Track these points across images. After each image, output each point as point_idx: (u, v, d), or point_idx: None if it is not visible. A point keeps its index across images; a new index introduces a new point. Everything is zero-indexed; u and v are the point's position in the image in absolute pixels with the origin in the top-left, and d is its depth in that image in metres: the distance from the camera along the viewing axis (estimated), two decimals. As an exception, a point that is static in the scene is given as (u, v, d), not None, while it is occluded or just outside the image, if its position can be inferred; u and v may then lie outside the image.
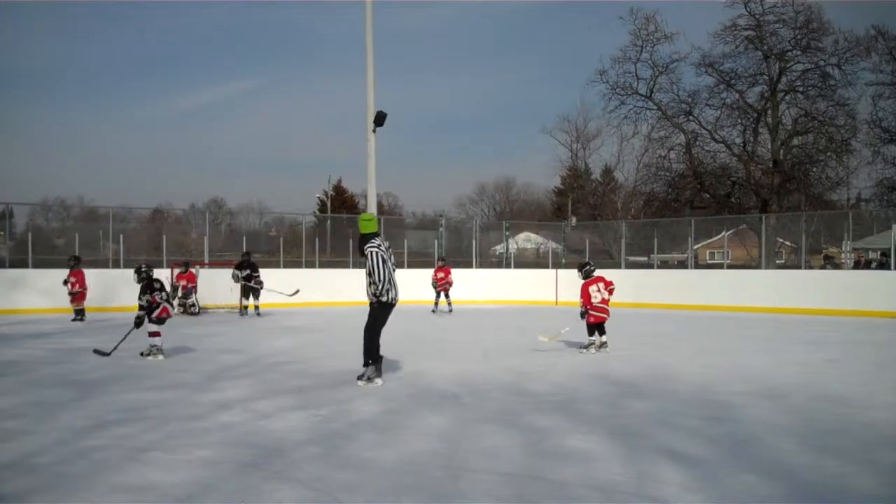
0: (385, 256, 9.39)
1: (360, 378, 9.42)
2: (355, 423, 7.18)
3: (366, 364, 9.47)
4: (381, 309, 9.49)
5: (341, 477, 5.40)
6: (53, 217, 34.86)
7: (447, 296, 22.17)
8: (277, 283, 21.06)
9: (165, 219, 36.12)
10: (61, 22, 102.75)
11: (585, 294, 12.71)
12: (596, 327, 12.73)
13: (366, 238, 9.56)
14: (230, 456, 5.93)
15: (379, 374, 9.50)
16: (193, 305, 21.26)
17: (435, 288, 22.19)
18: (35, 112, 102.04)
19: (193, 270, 21.63)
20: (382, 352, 9.68)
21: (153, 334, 11.69)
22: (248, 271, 20.70)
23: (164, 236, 25.90)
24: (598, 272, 13.14)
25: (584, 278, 12.86)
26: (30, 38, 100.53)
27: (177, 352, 12.49)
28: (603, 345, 12.68)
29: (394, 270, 9.56)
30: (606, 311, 12.79)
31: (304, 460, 5.81)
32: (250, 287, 20.70)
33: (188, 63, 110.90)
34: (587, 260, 13.61)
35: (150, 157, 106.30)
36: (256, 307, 20.79)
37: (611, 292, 12.87)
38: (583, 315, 12.72)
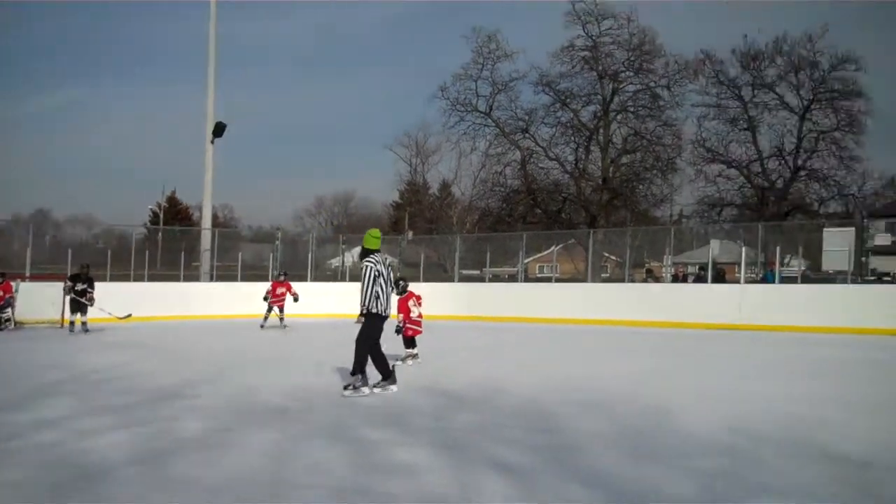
0: (379, 271, 9.80)
1: (346, 388, 9.75)
2: (181, 440, 7.03)
3: (353, 373, 9.80)
4: (375, 320, 9.88)
5: (165, 496, 5.30)
6: None
7: (281, 310, 21.65)
8: (105, 295, 20.19)
9: (-15, 230, 34.27)
10: None
11: (405, 308, 12.97)
12: (412, 340, 12.99)
13: (366, 252, 9.95)
14: (46, 477, 5.70)
15: (365, 382, 9.83)
16: (9, 320, 20.27)
17: (267, 301, 21.68)
18: None
19: (12, 283, 20.64)
20: (372, 364, 10.04)
21: None
22: (84, 286, 19.75)
23: (-16, 248, 24.62)
24: (418, 287, 13.49)
25: (400, 294, 13.04)
26: None
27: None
28: (415, 356, 12.95)
29: (390, 284, 10.05)
30: (421, 325, 13.17)
31: (125, 480, 5.66)
32: (80, 302, 19.67)
33: (16, 70, 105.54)
34: (400, 276, 13.81)
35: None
36: (84, 323, 19.65)
37: (420, 306, 13.26)
38: (398, 330, 12.92)
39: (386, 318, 10.00)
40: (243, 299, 24.94)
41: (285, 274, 22.66)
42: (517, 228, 37.96)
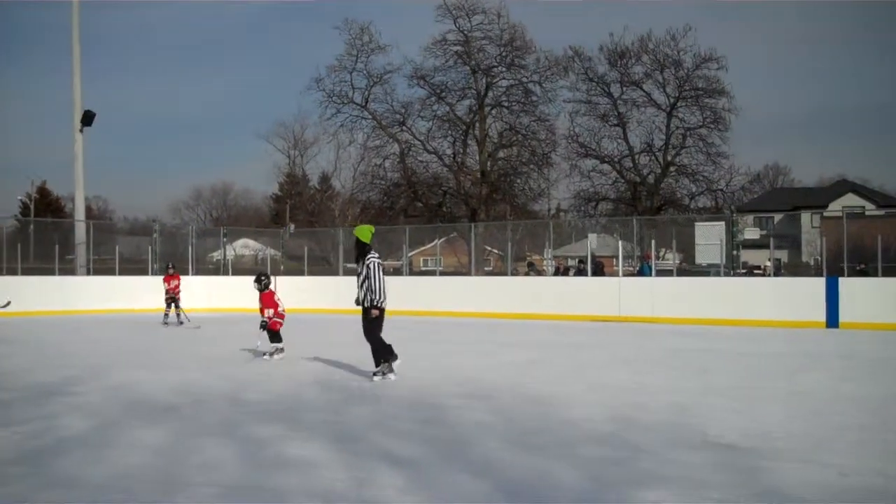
0: (381, 265, 10.44)
1: (374, 374, 10.42)
2: (63, 438, 6.86)
3: (378, 363, 10.43)
4: (381, 314, 10.40)
5: (48, 496, 5.17)
6: None
7: (177, 305, 20.78)
8: None
9: None
10: None
11: (273, 303, 12.93)
12: (278, 334, 12.97)
13: (363, 247, 10.43)
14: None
15: (391, 369, 10.46)
16: None
17: (168, 297, 20.74)
18: None
19: None
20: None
21: None
22: None
23: None
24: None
25: (263, 289, 13.05)
26: None
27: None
28: (281, 350, 12.94)
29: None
30: (283, 318, 13.25)
31: (7, 480, 5.49)
32: None
33: None
34: (262, 272, 13.78)
35: None
36: None
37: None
38: (265, 325, 12.85)
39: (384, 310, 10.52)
40: (122, 293, 24.33)
41: (173, 266, 21.77)
42: (399, 222, 38.10)
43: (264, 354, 12.70)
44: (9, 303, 19.47)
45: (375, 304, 10.27)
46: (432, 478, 5.67)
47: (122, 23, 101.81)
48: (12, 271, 24.91)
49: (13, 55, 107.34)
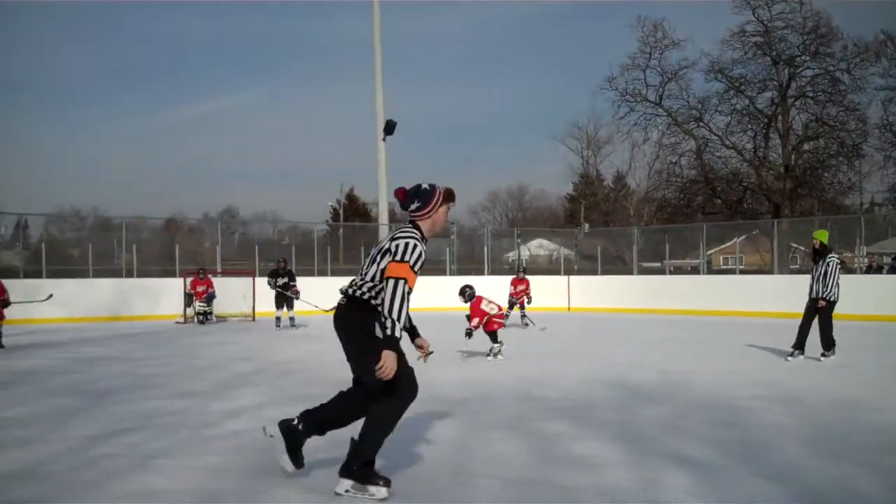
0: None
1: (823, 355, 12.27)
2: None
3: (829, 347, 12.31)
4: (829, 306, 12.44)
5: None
6: (68, 227, 34.91)
7: (522, 308, 20.29)
8: (307, 289, 20.51)
9: (179, 228, 36.22)
10: (75, 31, 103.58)
11: (480, 312, 12.79)
12: (495, 334, 12.86)
13: (823, 248, 12.70)
14: (239, 463, 5.96)
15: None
16: (211, 313, 21.24)
17: (512, 302, 20.01)
18: (49, 122, 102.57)
19: (212, 279, 21.62)
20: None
21: None
22: (285, 279, 19.72)
23: (178, 246, 26.03)
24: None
25: (469, 300, 13.06)
26: (44, 47, 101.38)
27: (189, 360, 12.56)
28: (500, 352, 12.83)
29: None
30: (504, 318, 13.30)
31: (314, 466, 5.81)
32: (286, 296, 19.67)
33: (202, 71, 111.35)
34: (466, 284, 13.64)
35: (163, 167, 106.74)
36: (291, 318, 19.70)
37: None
38: (469, 334, 12.93)
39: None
40: (424, 292, 25.34)
41: (523, 269, 21.99)
42: (696, 219, 37.10)
43: (487, 356, 12.72)
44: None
45: (825, 297, 12.00)
46: (723, 481, 5.42)
47: (418, 33, 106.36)
48: (323, 272, 26.70)
49: (319, 68, 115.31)
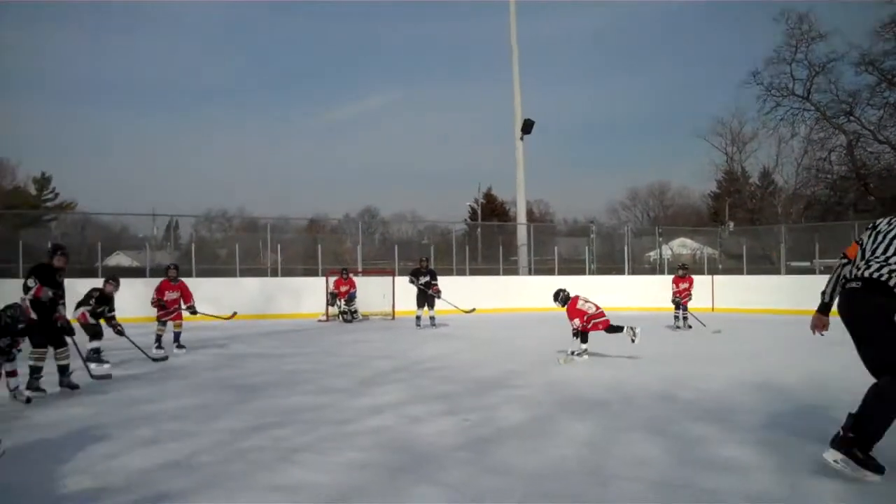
0: None
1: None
2: (503, 428, 7.18)
3: None
4: None
5: (489, 482, 5.43)
6: (216, 228, 36.26)
7: (685, 308, 19.12)
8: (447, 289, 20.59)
9: (321, 228, 37.08)
10: (218, 34, 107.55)
11: (577, 312, 12.43)
12: (586, 335, 12.53)
13: None
14: (381, 459, 6.03)
15: None
16: (356, 312, 21.64)
17: (676, 301, 19.22)
18: (199, 127, 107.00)
19: (354, 278, 22.00)
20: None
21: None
22: (426, 278, 19.71)
23: (320, 246, 26.60)
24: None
25: (563, 303, 12.64)
26: (187, 51, 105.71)
27: (330, 357, 12.84)
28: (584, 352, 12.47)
29: None
30: (604, 316, 12.62)
31: (452, 465, 5.85)
32: (427, 295, 19.66)
33: (341, 74, 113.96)
34: (559, 288, 12.95)
35: (306, 169, 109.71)
36: (432, 317, 19.62)
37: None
38: (582, 336, 12.48)
39: None
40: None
41: (685, 267, 20.56)
42: (848, 217, 35.63)
43: (572, 355, 12.34)
44: (473, 310, 20.63)
45: None
46: (875, 489, 5.17)
47: (556, 30, 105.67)
48: (461, 272, 26.82)
49: (457, 69, 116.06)
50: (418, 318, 19.65)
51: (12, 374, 8.44)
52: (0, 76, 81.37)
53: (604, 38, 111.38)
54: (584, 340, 12.50)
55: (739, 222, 46.97)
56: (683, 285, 19.28)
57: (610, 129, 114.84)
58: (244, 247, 27.39)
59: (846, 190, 39.46)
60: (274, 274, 25.17)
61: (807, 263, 29.25)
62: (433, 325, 19.40)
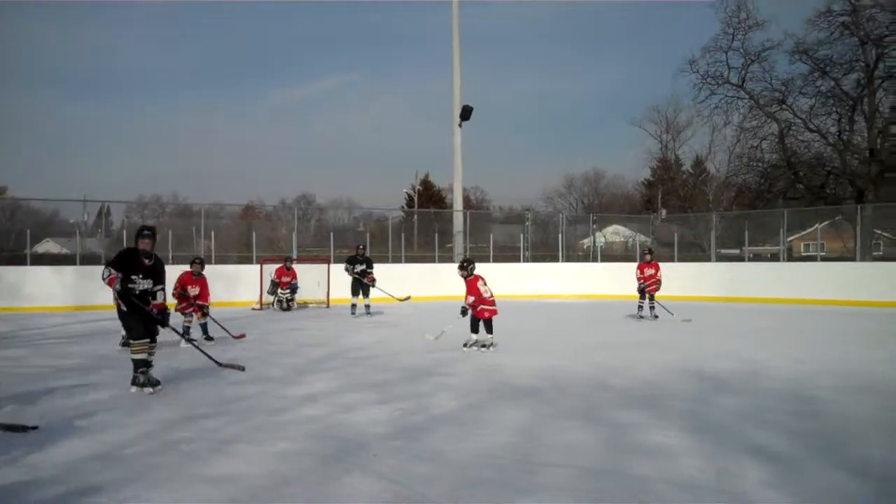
0: None
1: None
2: (435, 416, 7.22)
3: None
4: None
5: (421, 470, 5.47)
6: (149, 214, 35.67)
7: (652, 298, 17.97)
8: (383, 277, 20.60)
9: (256, 215, 36.74)
10: (152, 20, 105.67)
11: (477, 289, 12.01)
12: (486, 323, 12.14)
13: None
14: (313, 448, 6.03)
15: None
16: (293, 300, 21.44)
17: (641, 289, 18.10)
18: (129, 111, 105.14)
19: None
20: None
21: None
22: (363, 266, 19.37)
23: (255, 233, 26.36)
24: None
25: (469, 275, 12.19)
26: (122, 36, 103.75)
27: (264, 345, 12.76)
28: (491, 344, 12.11)
29: None
30: (495, 305, 12.17)
31: (385, 453, 5.87)
32: (363, 283, 19.33)
33: (276, 60, 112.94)
34: (466, 257, 12.62)
35: (240, 154, 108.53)
36: (367, 305, 19.48)
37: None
38: (464, 311, 12.12)
39: None
40: (495, 280, 25.21)
41: (650, 252, 19.52)
42: (777, 205, 36.32)
43: (469, 345, 12.07)
44: (408, 297, 20.75)
45: None
46: (801, 473, 5.34)
47: (495, 18, 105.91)
48: (397, 259, 26.79)
49: (397, 55, 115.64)
50: (353, 305, 19.45)
51: None
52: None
53: (544, 26, 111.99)
54: (475, 330, 12.17)
55: (672, 210, 47.62)
56: (650, 271, 18.05)
57: (546, 117, 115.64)
58: (177, 233, 26.99)
59: (776, 178, 40.07)
60: (208, 261, 24.83)
61: (736, 251, 29.81)
62: (368, 313, 19.29)
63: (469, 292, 12.06)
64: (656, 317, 17.72)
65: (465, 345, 12.09)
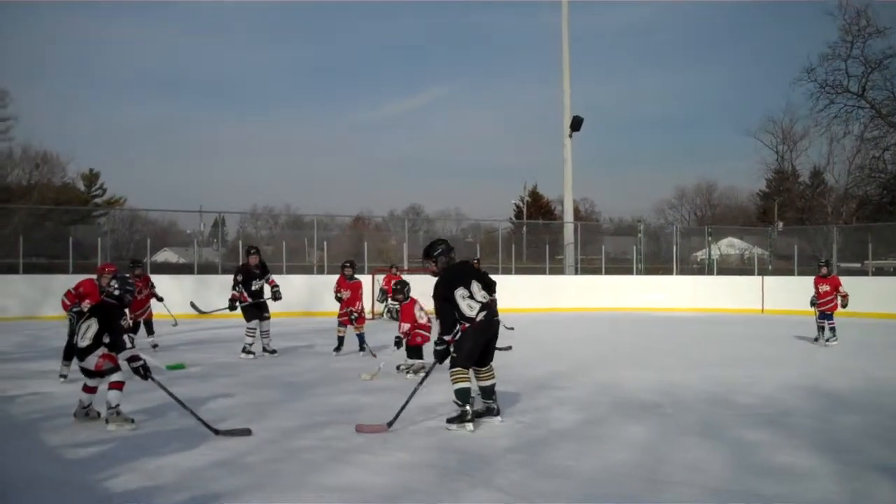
0: None
1: None
2: (556, 431, 7.10)
3: None
4: None
5: (542, 485, 5.37)
6: (262, 225, 36.50)
7: (831, 317, 15.03)
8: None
9: (366, 226, 37.12)
10: (263, 33, 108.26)
11: (412, 316, 11.09)
12: (415, 348, 11.05)
13: None
14: (434, 460, 5.98)
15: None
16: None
17: (813, 303, 15.35)
18: (243, 124, 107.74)
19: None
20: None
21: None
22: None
23: (366, 243, 26.62)
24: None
25: (405, 300, 11.34)
26: (235, 48, 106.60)
27: (382, 356, 12.77)
28: (422, 367, 10.31)
29: None
30: (430, 331, 10.90)
31: (506, 467, 5.76)
32: None
33: (386, 72, 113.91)
34: (402, 280, 11.71)
35: (351, 166, 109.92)
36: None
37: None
38: (398, 342, 11.00)
39: None
40: (607, 291, 24.92)
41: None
42: (901, 218, 34.98)
43: (399, 368, 11.00)
44: (511, 328, 20.54)
45: None
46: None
47: (604, 27, 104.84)
48: (507, 271, 26.62)
49: (503, 65, 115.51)
50: None
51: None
52: (51, 69, 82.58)
53: (651, 34, 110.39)
54: (419, 356, 11.03)
55: (788, 222, 46.28)
56: (824, 288, 15.31)
57: (658, 127, 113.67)
58: (290, 244, 27.47)
59: (899, 190, 38.77)
60: (320, 271, 25.18)
61: (858, 265, 28.72)
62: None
63: (403, 319, 11.18)
64: (827, 340, 14.80)
65: (397, 368, 11.04)
